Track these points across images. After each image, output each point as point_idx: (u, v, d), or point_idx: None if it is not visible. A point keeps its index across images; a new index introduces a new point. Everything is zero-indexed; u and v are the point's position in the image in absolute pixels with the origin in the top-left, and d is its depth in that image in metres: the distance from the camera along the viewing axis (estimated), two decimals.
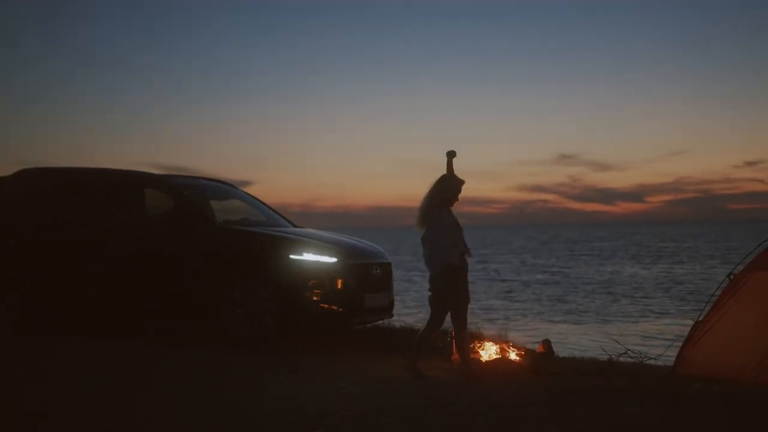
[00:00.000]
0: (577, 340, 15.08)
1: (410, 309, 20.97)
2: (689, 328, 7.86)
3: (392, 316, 9.54)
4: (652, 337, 15.35)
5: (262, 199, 10.42)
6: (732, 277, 7.68)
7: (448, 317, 7.12)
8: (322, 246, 8.65)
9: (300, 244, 8.59)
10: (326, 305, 8.35)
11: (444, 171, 7.29)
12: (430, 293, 7.14)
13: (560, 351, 8.76)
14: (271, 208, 10.27)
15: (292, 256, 8.39)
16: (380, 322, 9.62)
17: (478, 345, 7.71)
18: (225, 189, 10.24)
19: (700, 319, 7.73)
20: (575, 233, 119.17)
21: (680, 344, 7.79)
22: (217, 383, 6.65)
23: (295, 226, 9.90)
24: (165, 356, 7.81)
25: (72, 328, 8.98)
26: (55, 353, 7.78)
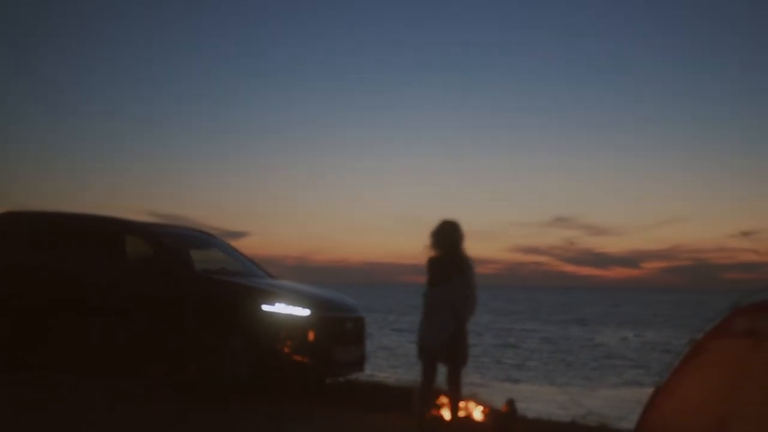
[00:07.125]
0: (540, 401, 15.15)
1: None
2: (650, 393, 8.02)
3: (363, 371, 9.58)
4: (615, 401, 15.46)
5: (245, 251, 10.58)
6: (693, 343, 7.84)
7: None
8: (296, 297, 8.74)
9: (273, 295, 8.69)
10: (297, 357, 8.41)
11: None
12: None
13: (524, 412, 8.87)
14: (249, 259, 10.41)
15: (264, 307, 8.48)
16: (353, 376, 9.66)
17: (442, 402, 7.74)
18: (205, 239, 10.38)
19: (661, 384, 7.88)
20: (558, 297, 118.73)
21: (642, 409, 7.93)
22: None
23: (272, 277, 10.03)
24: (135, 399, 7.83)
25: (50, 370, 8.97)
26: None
